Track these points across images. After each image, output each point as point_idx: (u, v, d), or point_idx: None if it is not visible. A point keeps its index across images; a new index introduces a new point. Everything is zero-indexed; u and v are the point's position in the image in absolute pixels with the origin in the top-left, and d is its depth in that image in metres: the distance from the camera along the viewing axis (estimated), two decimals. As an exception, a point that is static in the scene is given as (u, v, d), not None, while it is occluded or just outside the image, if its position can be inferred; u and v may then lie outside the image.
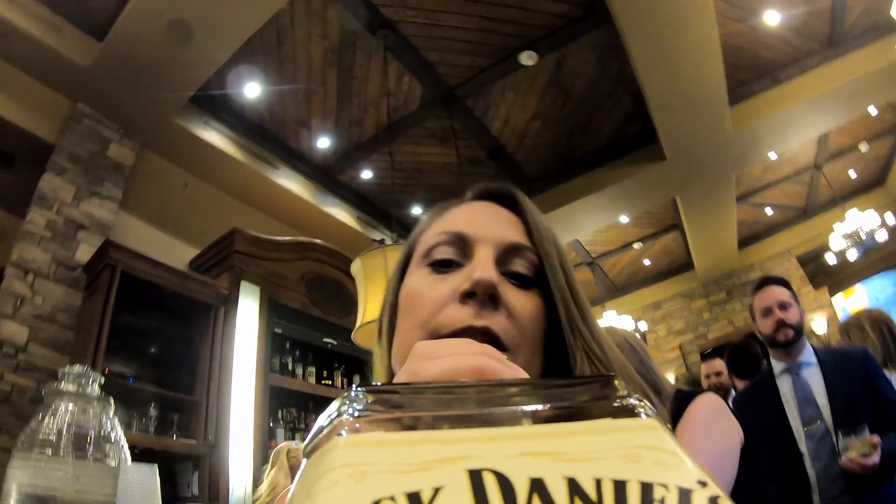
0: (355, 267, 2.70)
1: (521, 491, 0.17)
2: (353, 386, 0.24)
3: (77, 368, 1.20)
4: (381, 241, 2.80)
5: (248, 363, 3.68)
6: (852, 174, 7.64)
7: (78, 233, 3.76)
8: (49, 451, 1.01)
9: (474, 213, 0.63)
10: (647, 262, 8.43)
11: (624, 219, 6.89)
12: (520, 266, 0.58)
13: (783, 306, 2.25)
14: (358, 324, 2.50)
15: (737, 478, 1.38)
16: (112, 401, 1.22)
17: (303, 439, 3.86)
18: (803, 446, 2.09)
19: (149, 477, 0.95)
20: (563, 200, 6.02)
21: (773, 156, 6.35)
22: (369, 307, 2.47)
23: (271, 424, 3.80)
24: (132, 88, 3.95)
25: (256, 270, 4.05)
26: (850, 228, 6.51)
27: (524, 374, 0.33)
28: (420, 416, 0.22)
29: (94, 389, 1.20)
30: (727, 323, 8.41)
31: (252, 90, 4.54)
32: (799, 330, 2.24)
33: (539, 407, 0.23)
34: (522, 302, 0.56)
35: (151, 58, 3.76)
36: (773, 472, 2.08)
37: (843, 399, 2.06)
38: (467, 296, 0.53)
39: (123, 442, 1.16)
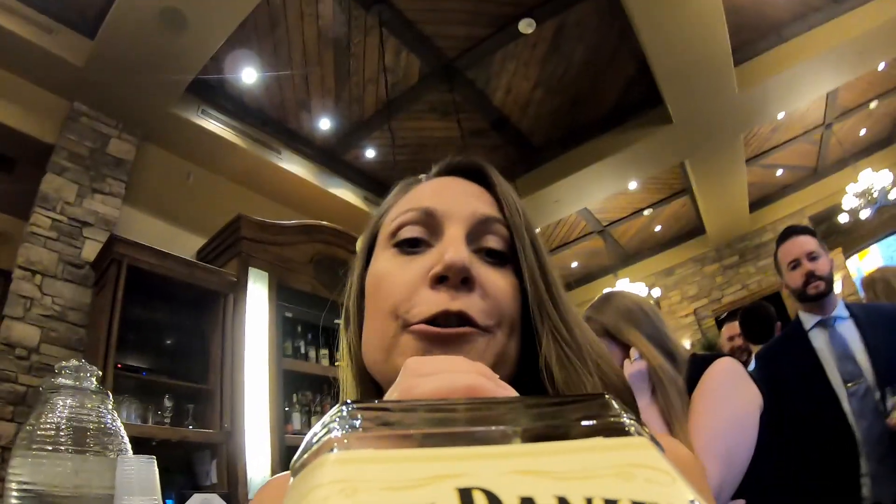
0: (360, 244, 2.68)
1: None
2: (344, 402, 0.24)
3: (73, 362, 1.21)
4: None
5: (260, 349, 3.70)
6: (863, 132, 7.51)
7: (83, 230, 3.80)
8: (48, 447, 1.02)
9: (441, 187, 0.60)
10: (657, 227, 8.37)
11: (633, 185, 6.84)
12: (492, 241, 0.56)
13: (812, 257, 2.13)
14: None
15: (760, 441, 1.35)
16: (111, 394, 1.22)
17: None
18: (846, 405, 1.95)
19: (147, 468, 0.95)
20: (571, 169, 5.98)
21: (781, 116, 6.24)
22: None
23: (287, 409, 3.83)
24: (128, 82, 3.95)
25: (264, 256, 4.05)
26: (862, 187, 6.41)
27: (515, 394, 0.33)
28: (411, 433, 0.22)
29: (92, 382, 1.21)
30: (741, 286, 8.36)
31: (249, 75, 4.51)
32: (830, 281, 2.11)
33: (530, 425, 0.23)
34: (496, 280, 0.53)
35: (145, 50, 3.74)
36: (812, 432, 1.96)
37: (884, 355, 1.95)
38: (439, 280, 0.51)
39: (123, 433, 1.17)
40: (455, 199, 0.57)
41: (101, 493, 1.00)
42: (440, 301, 0.50)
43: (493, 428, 0.22)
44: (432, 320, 0.50)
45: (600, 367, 0.54)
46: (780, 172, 7.83)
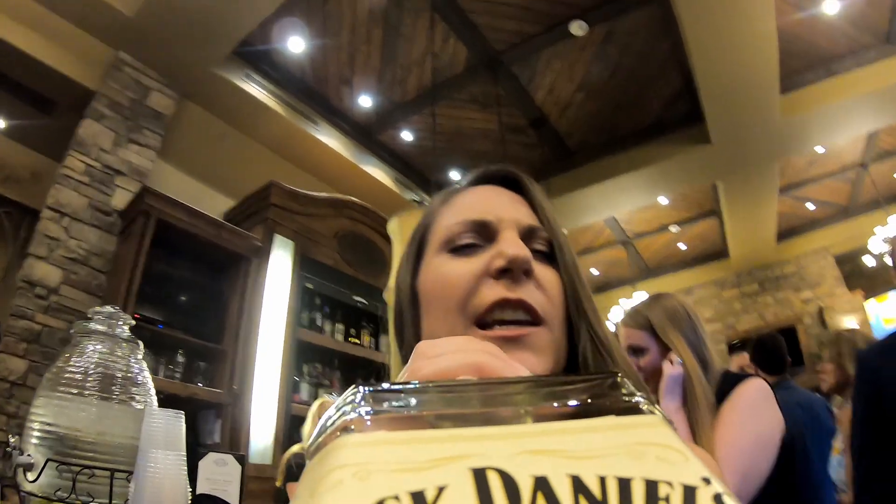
0: (392, 226, 2.69)
1: (525, 489, 0.17)
2: (357, 385, 0.24)
3: (108, 309, 1.20)
4: (421, 202, 2.78)
5: (277, 316, 3.73)
6: (898, 176, 7.36)
7: (115, 179, 3.82)
8: (74, 391, 1.02)
9: (487, 198, 0.63)
10: (682, 245, 8.29)
11: (663, 200, 6.77)
12: (539, 244, 0.60)
13: None
14: (390, 283, 2.50)
15: (797, 465, 1.37)
16: (141, 344, 1.23)
17: (328, 395, 3.91)
18: None
19: (174, 423, 0.96)
20: (603, 176, 5.94)
21: (819, 149, 6.13)
22: (405, 260, 2.47)
23: (296, 378, 3.86)
24: (175, 39, 3.97)
25: (291, 225, 4.08)
26: (891, 232, 6.29)
27: (525, 372, 0.33)
28: (424, 415, 0.22)
29: (125, 331, 1.20)
30: (758, 316, 8.25)
31: (295, 45, 4.52)
32: None
33: (542, 405, 0.23)
34: (548, 275, 0.58)
35: (195, 8, 3.76)
36: None
37: None
38: (502, 272, 0.55)
39: (150, 385, 1.17)
40: (503, 209, 0.61)
41: (123, 441, 1.01)
42: (500, 290, 0.54)
43: (506, 408, 0.23)
44: (493, 308, 0.54)
45: (626, 361, 0.59)
46: (810, 206, 7.71)
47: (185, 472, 0.98)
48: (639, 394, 0.23)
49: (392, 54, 4.74)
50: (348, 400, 0.23)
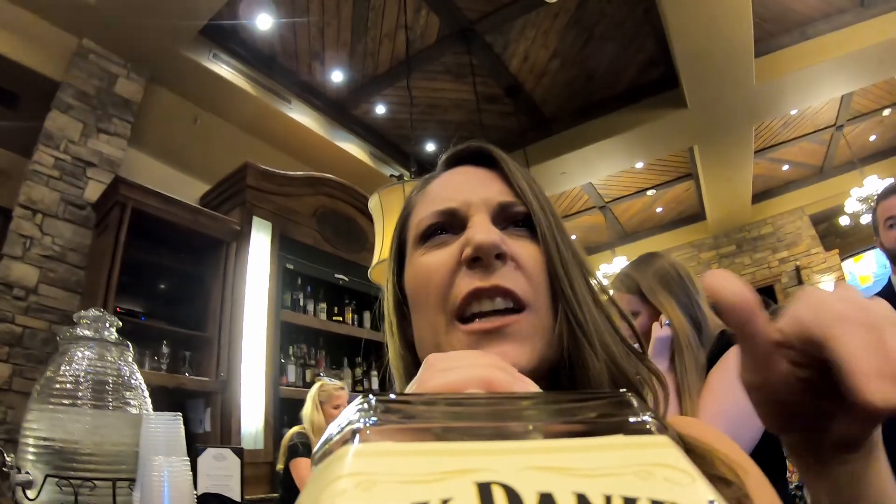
0: (373, 202, 2.67)
1: None
2: (366, 395, 0.24)
3: (93, 312, 1.17)
4: (400, 177, 2.75)
5: (259, 299, 3.71)
6: (873, 138, 7.48)
7: (86, 170, 3.72)
8: (66, 401, 1.00)
9: (456, 182, 0.61)
10: (659, 209, 8.38)
11: (639, 165, 6.81)
12: (516, 219, 0.58)
13: None
14: (375, 260, 2.48)
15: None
16: (131, 346, 1.21)
17: (315, 375, 3.91)
18: None
19: (173, 426, 0.95)
20: (580, 143, 5.95)
21: (794, 112, 6.21)
22: (387, 243, 2.45)
23: (282, 361, 3.86)
24: (139, 21, 3.82)
25: (268, 206, 4.04)
26: (866, 192, 6.39)
27: (535, 387, 0.33)
28: (431, 427, 0.22)
29: (112, 333, 1.18)
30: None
31: (263, 22, 4.40)
32: None
33: (550, 421, 0.23)
34: (528, 251, 0.55)
35: (159, -13, 3.63)
36: None
37: None
38: (473, 262, 0.53)
39: (144, 388, 1.16)
40: (473, 191, 0.58)
41: (122, 449, 0.99)
42: (475, 280, 0.52)
43: (513, 423, 0.22)
44: (468, 299, 0.52)
45: (609, 349, 0.54)
46: (785, 168, 7.82)
47: (190, 477, 0.97)
48: (648, 413, 0.23)
49: (363, 27, 4.64)
50: (357, 409, 0.23)
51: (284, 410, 3.64)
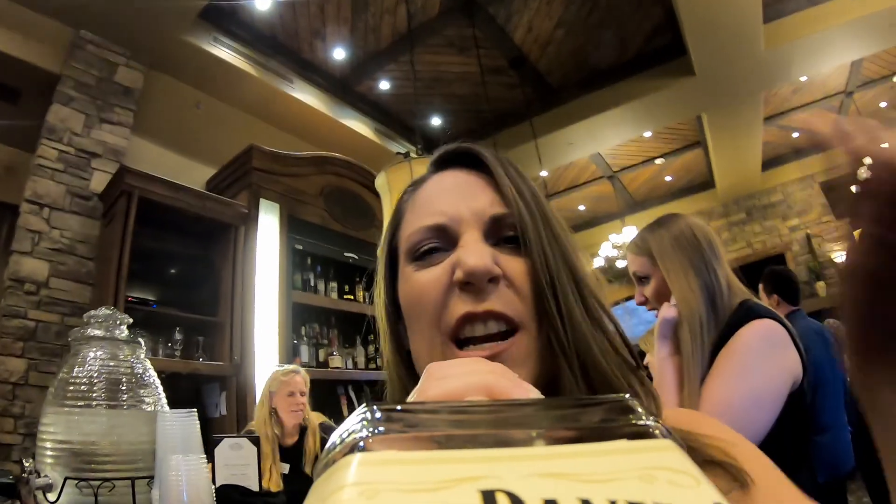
0: (380, 181, 2.66)
1: None
2: (369, 403, 0.24)
3: (103, 311, 1.17)
4: (406, 154, 2.74)
5: (270, 281, 3.73)
6: (883, 104, 7.34)
7: (91, 161, 3.72)
8: (81, 403, 1.00)
9: (445, 193, 0.59)
10: (668, 178, 8.29)
11: (647, 133, 6.72)
12: (508, 232, 0.56)
13: None
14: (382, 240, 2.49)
15: (806, 414, 1.23)
16: (143, 343, 1.21)
17: (328, 354, 3.88)
18: None
19: (188, 423, 0.96)
20: (587, 112, 5.88)
21: (803, 78, 6.09)
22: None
23: (295, 341, 3.89)
24: (136, 8, 3.78)
25: (275, 187, 4.03)
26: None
27: (536, 394, 0.33)
28: (434, 435, 0.22)
29: (123, 331, 1.18)
30: (745, 244, 8.36)
31: (262, 2, 4.34)
32: None
33: (553, 427, 0.23)
34: (519, 268, 0.54)
35: (156, -29, 3.58)
36: None
37: None
38: (466, 284, 0.52)
39: (158, 384, 1.17)
40: (464, 202, 0.57)
41: (139, 447, 1.00)
42: (468, 304, 0.52)
43: (516, 430, 0.22)
44: (461, 323, 0.52)
45: (599, 368, 0.52)
46: (795, 135, 7.71)
47: (207, 473, 0.98)
48: (651, 417, 0.23)
49: (363, 3, 4.57)
50: (360, 418, 0.23)
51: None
